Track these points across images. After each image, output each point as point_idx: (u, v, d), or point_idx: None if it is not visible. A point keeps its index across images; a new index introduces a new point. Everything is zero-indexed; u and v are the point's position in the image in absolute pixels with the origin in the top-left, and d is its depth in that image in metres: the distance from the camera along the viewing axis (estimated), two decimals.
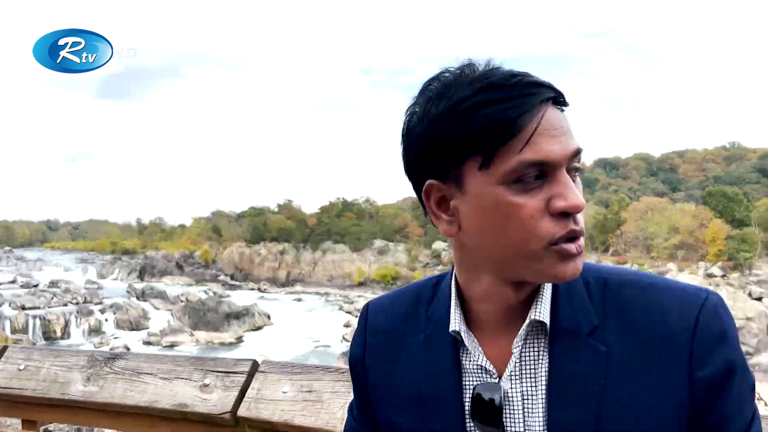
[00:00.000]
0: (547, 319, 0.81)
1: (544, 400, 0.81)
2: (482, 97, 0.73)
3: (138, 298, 51.05)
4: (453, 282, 0.88)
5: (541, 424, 0.81)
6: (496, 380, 0.83)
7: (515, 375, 0.83)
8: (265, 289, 68.01)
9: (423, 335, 0.90)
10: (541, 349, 0.83)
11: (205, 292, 56.11)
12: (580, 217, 0.77)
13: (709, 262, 50.43)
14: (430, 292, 0.93)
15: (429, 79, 0.81)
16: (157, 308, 48.89)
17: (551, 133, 0.74)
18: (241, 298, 55.04)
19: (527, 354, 0.83)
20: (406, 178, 0.86)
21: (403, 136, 0.83)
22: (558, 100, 0.77)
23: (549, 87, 0.76)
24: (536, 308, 0.82)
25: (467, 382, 0.86)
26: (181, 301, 49.20)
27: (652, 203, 63.92)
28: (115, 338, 41.42)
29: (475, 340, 0.85)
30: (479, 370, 0.85)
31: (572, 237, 0.76)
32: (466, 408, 0.85)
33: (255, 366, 1.74)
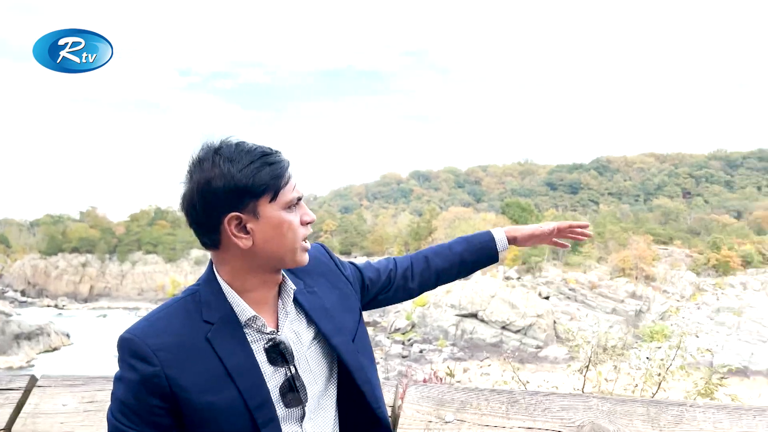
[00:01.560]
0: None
1: (308, 333, 1.38)
2: (265, 159, 1.25)
3: None
4: (225, 287, 1.29)
5: (309, 348, 1.37)
6: (279, 336, 1.32)
7: (288, 328, 1.35)
8: (64, 306, 61.49)
9: (209, 334, 1.26)
10: (289, 306, 1.38)
11: None
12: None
13: (507, 266, 55.99)
14: (195, 305, 1.29)
15: (205, 155, 1.25)
16: None
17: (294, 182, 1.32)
18: (33, 316, 49.16)
19: (284, 312, 1.36)
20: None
21: (201, 189, 1.23)
22: None
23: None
24: (289, 284, 1.36)
25: (256, 349, 1.29)
26: None
27: (459, 212, 69.41)
28: None
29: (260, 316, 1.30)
30: (262, 337, 1.30)
31: (307, 238, 1.34)
32: (261, 365, 1.28)
33: (33, 381, 1.71)
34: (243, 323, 1.29)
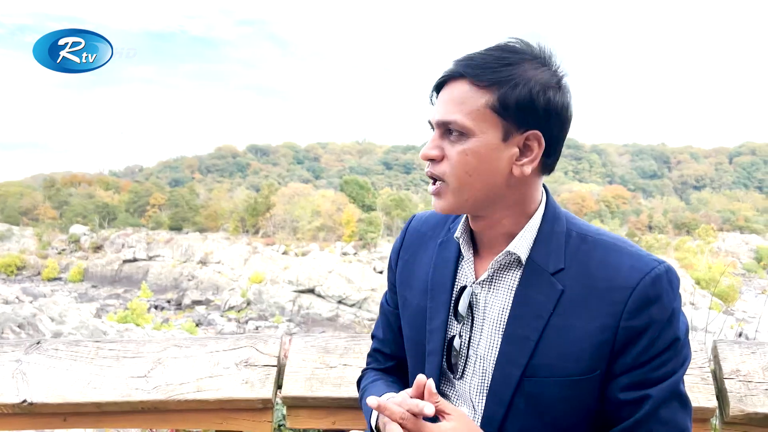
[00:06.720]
0: (521, 253, 1.06)
1: (504, 314, 1.06)
2: None
3: None
4: None
5: (496, 329, 1.07)
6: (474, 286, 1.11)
7: (485, 286, 1.10)
8: None
9: (440, 241, 1.19)
10: (515, 275, 1.08)
11: None
12: (438, 166, 1.05)
13: (344, 242, 57.20)
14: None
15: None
16: None
17: (437, 103, 1.05)
18: None
19: (503, 275, 1.09)
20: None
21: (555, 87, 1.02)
22: (467, 73, 1.00)
23: (459, 63, 1.02)
24: (514, 243, 1.06)
25: (459, 280, 1.14)
26: None
27: (298, 189, 69.22)
28: None
29: (470, 250, 1.13)
30: (470, 274, 1.12)
31: (432, 179, 1.07)
32: (453, 296, 1.13)
33: None
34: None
